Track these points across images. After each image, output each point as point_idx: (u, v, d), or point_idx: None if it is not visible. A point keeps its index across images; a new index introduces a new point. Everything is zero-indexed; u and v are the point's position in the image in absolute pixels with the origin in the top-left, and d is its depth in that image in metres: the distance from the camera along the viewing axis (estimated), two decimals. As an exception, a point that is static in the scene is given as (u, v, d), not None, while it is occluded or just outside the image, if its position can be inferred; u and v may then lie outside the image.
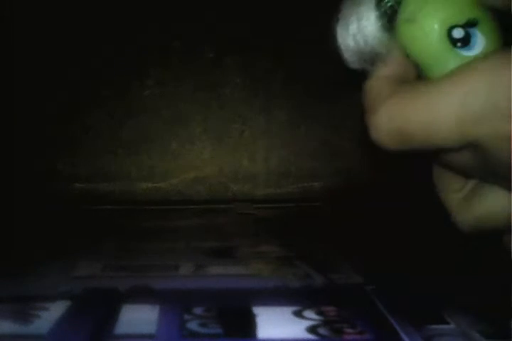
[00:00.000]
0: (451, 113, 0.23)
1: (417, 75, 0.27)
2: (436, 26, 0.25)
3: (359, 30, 0.27)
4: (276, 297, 0.43)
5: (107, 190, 0.81)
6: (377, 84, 0.26)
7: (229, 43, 0.81)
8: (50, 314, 0.39)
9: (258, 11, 0.80)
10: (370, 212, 0.69)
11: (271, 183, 0.83)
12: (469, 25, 0.25)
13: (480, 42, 0.25)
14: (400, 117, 0.24)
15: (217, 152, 0.83)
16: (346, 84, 0.29)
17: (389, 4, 0.26)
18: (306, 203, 0.80)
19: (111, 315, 0.39)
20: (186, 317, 0.39)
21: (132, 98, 0.81)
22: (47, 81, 0.79)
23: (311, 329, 0.37)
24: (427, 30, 0.25)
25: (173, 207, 0.79)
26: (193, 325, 0.37)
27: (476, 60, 0.23)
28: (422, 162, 0.28)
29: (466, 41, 0.25)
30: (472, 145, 0.23)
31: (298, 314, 0.39)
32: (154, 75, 0.81)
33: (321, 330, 0.37)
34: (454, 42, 0.25)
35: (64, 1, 0.77)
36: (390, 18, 0.26)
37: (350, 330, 0.37)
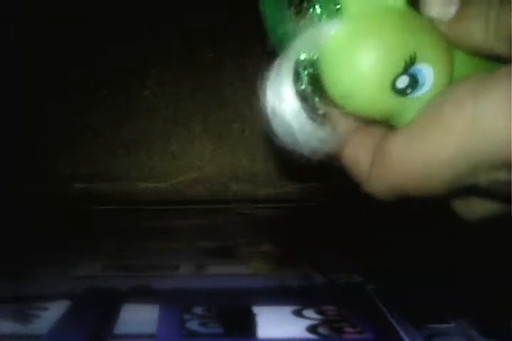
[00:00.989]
0: (451, 155, 0.20)
1: None
2: (378, 90, 0.21)
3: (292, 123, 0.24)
4: (276, 296, 0.43)
5: (107, 190, 0.81)
6: (353, 151, 0.25)
7: (229, 43, 0.81)
8: (50, 314, 0.39)
9: (258, 11, 0.80)
10: (370, 212, 0.68)
11: (271, 183, 0.83)
12: (409, 65, 0.21)
13: (428, 75, 0.21)
14: (393, 179, 0.23)
15: (217, 152, 0.82)
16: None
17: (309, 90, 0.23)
18: (306, 203, 0.80)
19: (111, 314, 0.39)
20: (186, 316, 0.39)
21: (132, 98, 0.81)
22: (47, 81, 0.79)
23: (311, 329, 0.37)
24: (371, 97, 0.21)
25: (173, 207, 0.79)
26: (193, 325, 0.37)
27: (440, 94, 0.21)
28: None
29: (413, 84, 0.21)
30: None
31: (298, 313, 0.39)
32: (154, 75, 0.81)
33: (321, 329, 0.37)
34: (402, 92, 0.21)
35: (64, 1, 0.77)
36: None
37: (350, 330, 0.37)
